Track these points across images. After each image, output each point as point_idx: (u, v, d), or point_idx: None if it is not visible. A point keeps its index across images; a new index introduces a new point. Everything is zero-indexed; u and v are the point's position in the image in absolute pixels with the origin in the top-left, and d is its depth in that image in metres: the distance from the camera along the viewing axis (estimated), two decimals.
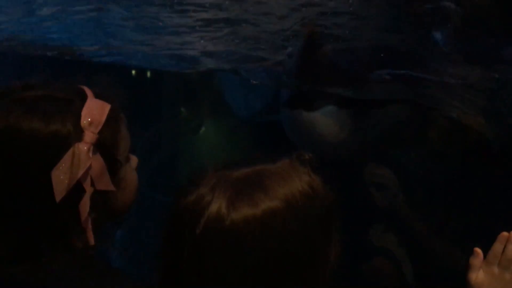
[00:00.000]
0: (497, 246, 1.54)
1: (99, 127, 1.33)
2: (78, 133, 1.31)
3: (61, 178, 1.28)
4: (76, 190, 1.30)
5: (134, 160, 1.50)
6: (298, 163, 1.27)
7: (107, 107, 1.36)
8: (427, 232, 2.98)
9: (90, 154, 1.31)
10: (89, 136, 1.31)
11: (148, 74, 4.33)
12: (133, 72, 4.21)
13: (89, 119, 1.32)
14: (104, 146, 1.34)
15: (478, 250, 1.55)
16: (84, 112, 1.33)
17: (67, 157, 1.28)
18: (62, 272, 1.31)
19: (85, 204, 1.31)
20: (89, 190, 1.31)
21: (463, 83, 2.84)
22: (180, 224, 1.21)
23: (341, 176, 1.34)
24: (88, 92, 1.39)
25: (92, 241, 1.33)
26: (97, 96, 1.39)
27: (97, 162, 1.32)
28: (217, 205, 1.17)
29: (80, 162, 1.29)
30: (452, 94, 2.84)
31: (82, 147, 1.30)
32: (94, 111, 1.34)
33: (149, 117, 4.34)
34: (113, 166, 1.37)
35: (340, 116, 2.92)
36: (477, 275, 1.53)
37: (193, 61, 3.29)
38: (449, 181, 3.03)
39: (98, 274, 1.35)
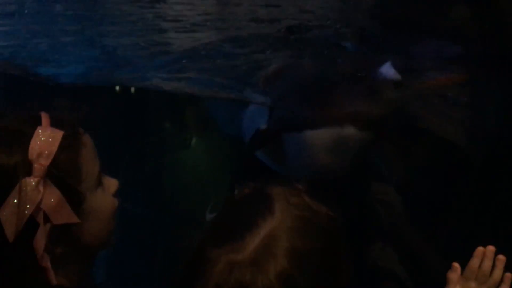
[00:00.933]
0: (474, 262, 1.55)
1: (50, 158, 1.25)
2: (26, 167, 1.24)
3: (9, 217, 1.21)
4: (31, 226, 1.23)
5: (112, 184, 1.41)
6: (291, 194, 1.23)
7: (58, 135, 1.27)
8: (429, 250, 2.97)
9: (41, 188, 1.23)
10: (38, 169, 1.23)
11: (133, 89, 4.32)
12: (117, 88, 4.21)
13: (37, 150, 1.25)
14: (60, 176, 1.26)
15: (456, 265, 1.56)
16: (32, 143, 1.25)
17: (13, 194, 1.21)
18: None
19: (39, 241, 1.23)
20: (43, 226, 1.23)
21: (438, 96, 2.84)
22: None
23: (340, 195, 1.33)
24: (44, 119, 1.31)
25: (53, 280, 1.25)
26: (54, 121, 1.31)
27: (51, 195, 1.24)
28: None
29: (27, 198, 1.22)
30: (428, 107, 2.84)
31: (30, 182, 1.22)
32: (44, 141, 1.25)
33: (135, 131, 4.34)
34: (74, 196, 1.28)
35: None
36: None
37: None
38: (431, 194, 3.04)
39: None
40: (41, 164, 1.24)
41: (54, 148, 1.26)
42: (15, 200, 1.21)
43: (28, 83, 3.21)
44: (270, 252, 1.13)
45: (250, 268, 1.11)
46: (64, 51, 3.22)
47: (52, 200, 1.24)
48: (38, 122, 1.30)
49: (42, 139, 1.26)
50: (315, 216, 1.20)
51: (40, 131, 1.27)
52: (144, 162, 4.51)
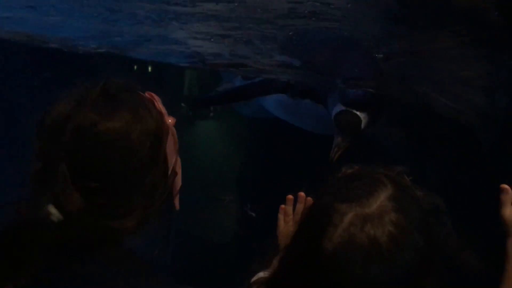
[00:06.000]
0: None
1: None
2: (164, 123, 1.41)
3: (171, 153, 1.40)
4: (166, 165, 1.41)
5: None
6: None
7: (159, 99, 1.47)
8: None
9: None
10: (171, 121, 1.44)
11: (150, 68, 4.35)
12: (135, 66, 4.23)
13: (163, 110, 1.43)
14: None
15: (505, 186, 1.61)
16: (157, 104, 1.43)
17: (170, 137, 1.41)
18: (109, 268, 1.35)
19: (178, 183, 1.45)
20: (180, 170, 1.44)
21: (458, 80, 2.82)
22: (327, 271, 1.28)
23: None
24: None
25: (177, 205, 1.47)
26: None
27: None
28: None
29: (175, 141, 1.43)
30: (439, 89, 2.84)
31: (173, 130, 1.43)
32: (159, 103, 1.44)
33: None
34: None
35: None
36: (510, 210, 1.59)
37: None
38: (441, 179, 3.02)
39: (141, 272, 1.39)
40: (169, 119, 1.44)
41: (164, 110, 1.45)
42: (172, 141, 1.41)
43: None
44: (388, 210, 1.28)
45: (377, 219, 1.26)
46: None
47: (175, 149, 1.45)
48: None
49: (158, 101, 1.45)
50: (411, 189, 1.35)
51: (150, 94, 1.45)
52: None
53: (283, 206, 1.80)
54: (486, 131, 2.85)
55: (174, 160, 1.42)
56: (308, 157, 3.79)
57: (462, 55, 2.85)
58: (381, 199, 1.29)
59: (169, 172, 1.40)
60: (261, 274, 1.58)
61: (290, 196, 1.81)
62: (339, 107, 2.87)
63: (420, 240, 1.27)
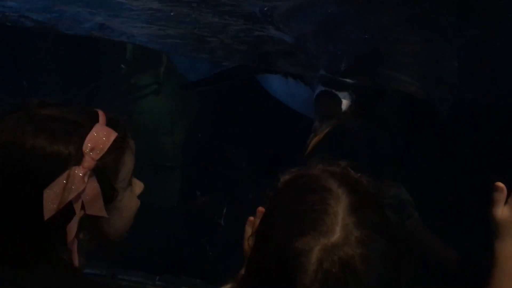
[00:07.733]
0: None
1: (101, 154, 1.35)
2: (78, 157, 1.34)
3: (52, 198, 1.31)
4: (67, 211, 1.33)
5: (138, 186, 1.53)
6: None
7: (113, 135, 1.38)
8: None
9: (86, 179, 1.33)
10: (88, 161, 1.34)
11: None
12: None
13: (91, 145, 1.35)
14: (103, 172, 1.37)
15: (501, 184, 1.56)
16: (89, 137, 1.36)
17: (61, 178, 1.32)
18: (46, 281, 1.35)
19: (72, 227, 1.34)
20: (79, 213, 1.34)
21: (406, 56, 2.77)
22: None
23: None
24: (101, 117, 1.41)
25: (76, 262, 1.37)
26: (109, 121, 1.42)
27: (92, 188, 1.35)
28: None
29: (73, 185, 1.32)
30: (392, 64, 2.75)
31: (78, 171, 1.33)
32: (99, 138, 1.36)
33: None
34: (109, 193, 1.39)
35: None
36: (502, 210, 1.55)
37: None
38: (398, 152, 3.02)
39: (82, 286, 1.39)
40: (91, 158, 1.35)
41: (106, 146, 1.37)
42: (62, 184, 1.32)
43: None
44: (351, 228, 1.21)
45: (344, 244, 1.19)
46: None
47: (91, 193, 1.35)
48: (96, 118, 1.41)
49: (98, 135, 1.37)
50: (362, 186, 1.30)
51: (97, 127, 1.38)
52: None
53: (252, 218, 1.66)
54: (442, 100, 2.84)
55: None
56: (251, 124, 3.79)
57: (404, 32, 2.78)
58: (341, 217, 1.22)
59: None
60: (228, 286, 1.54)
61: (261, 208, 1.65)
62: (319, 88, 2.65)
63: (384, 244, 1.23)
